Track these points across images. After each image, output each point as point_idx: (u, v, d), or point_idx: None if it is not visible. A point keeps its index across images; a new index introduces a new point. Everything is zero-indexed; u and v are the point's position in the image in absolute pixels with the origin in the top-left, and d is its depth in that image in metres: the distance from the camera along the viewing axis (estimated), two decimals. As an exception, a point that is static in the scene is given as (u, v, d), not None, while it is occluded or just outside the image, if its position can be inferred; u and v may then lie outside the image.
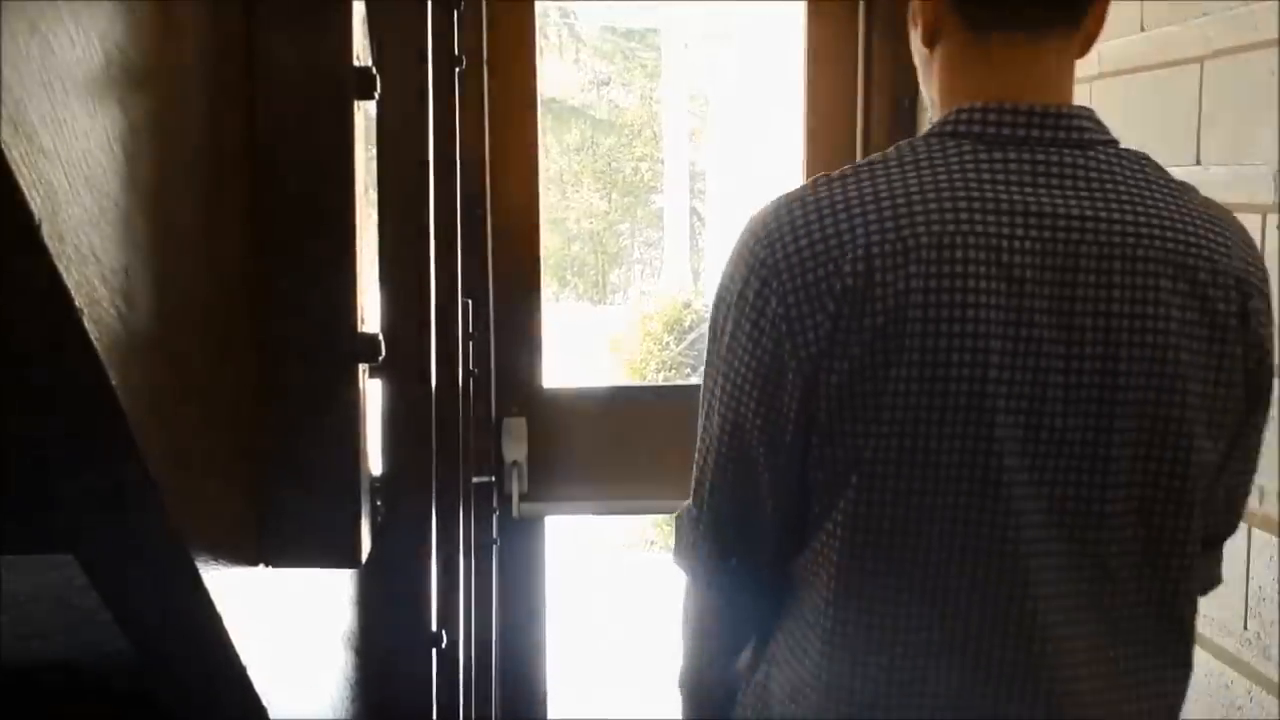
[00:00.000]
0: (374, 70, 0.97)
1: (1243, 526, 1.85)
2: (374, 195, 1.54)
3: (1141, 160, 1.25)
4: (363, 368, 1.00)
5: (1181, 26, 2.01)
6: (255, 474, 0.94)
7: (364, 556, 1.02)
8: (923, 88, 1.33)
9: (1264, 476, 1.79)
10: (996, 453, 1.15)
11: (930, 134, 1.22)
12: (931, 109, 1.30)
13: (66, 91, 0.56)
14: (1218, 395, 1.22)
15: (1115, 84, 2.22)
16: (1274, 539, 1.77)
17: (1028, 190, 1.17)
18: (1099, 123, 1.24)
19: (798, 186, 1.23)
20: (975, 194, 1.15)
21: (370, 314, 1.07)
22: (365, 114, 1.00)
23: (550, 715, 3.74)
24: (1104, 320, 1.16)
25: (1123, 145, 1.25)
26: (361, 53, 0.99)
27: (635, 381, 7.92)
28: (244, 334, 0.91)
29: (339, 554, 1.01)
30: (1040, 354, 1.15)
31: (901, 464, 1.15)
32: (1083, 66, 2.28)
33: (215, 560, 0.82)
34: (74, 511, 0.70)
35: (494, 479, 3.34)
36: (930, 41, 1.26)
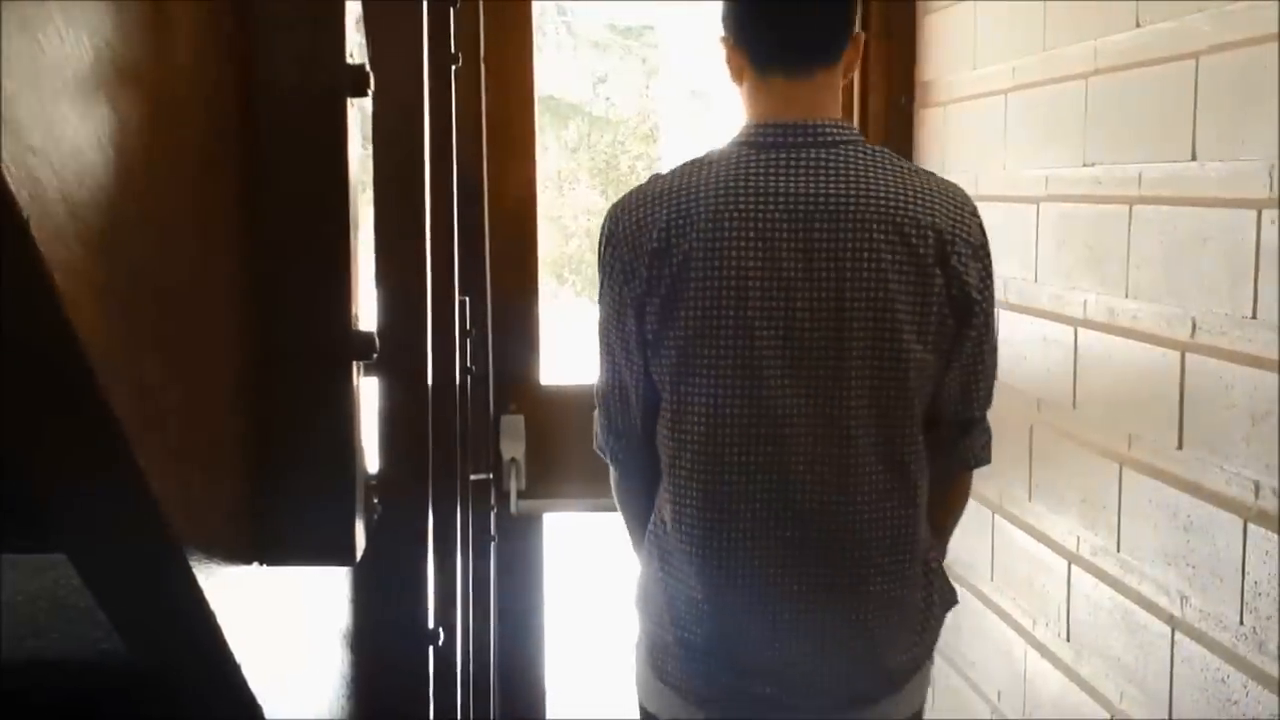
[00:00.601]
0: (368, 68, 0.97)
1: (1238, 521, 1.85)
2: (370, 193, 1.55)
3: (877, 152, 1.81)
4: (357, 365, 1.00)
5: (1177, 22, 2.01)
6: (249, 472, 0.94)
7: (359, 554, 1.02)
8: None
9: (1261, 473, 1.80)
10: (758, 359, 1.73)
11: (732, 143, 1.83)
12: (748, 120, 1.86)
13: (56, 89, 0.56)
14: (922, 311, 1.76)
15: (1111, 80, 2.22)
16: (1271, 534, 1.78)
17: (780, 178, 1.74)
18: (845, 128, 1.81)
19: (641, 190, 1.83)
20: (742, 183, 1.74)
21: (365, 312, 1.07)
22: (360, 111, 1.00)
23: (549, 711, 3.75)
24: (835, 262, 1.72)
25: (867, 143, 1.82)
26: (356, 50, 0.99)
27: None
28: (238, 332, 0.91)
29: (334, 551, 1.01)
30: (789, 289, 1.71)
31: (692, 371, 1.74)
32: (1078, 63, 2.31)
33: (209, 558, 0.82)
34: (66, 511, 0.70)
35: (492, 476, 3.35)
36: (739, 81, 1.86)
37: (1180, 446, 1.99)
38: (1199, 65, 1.95)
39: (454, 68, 2.23)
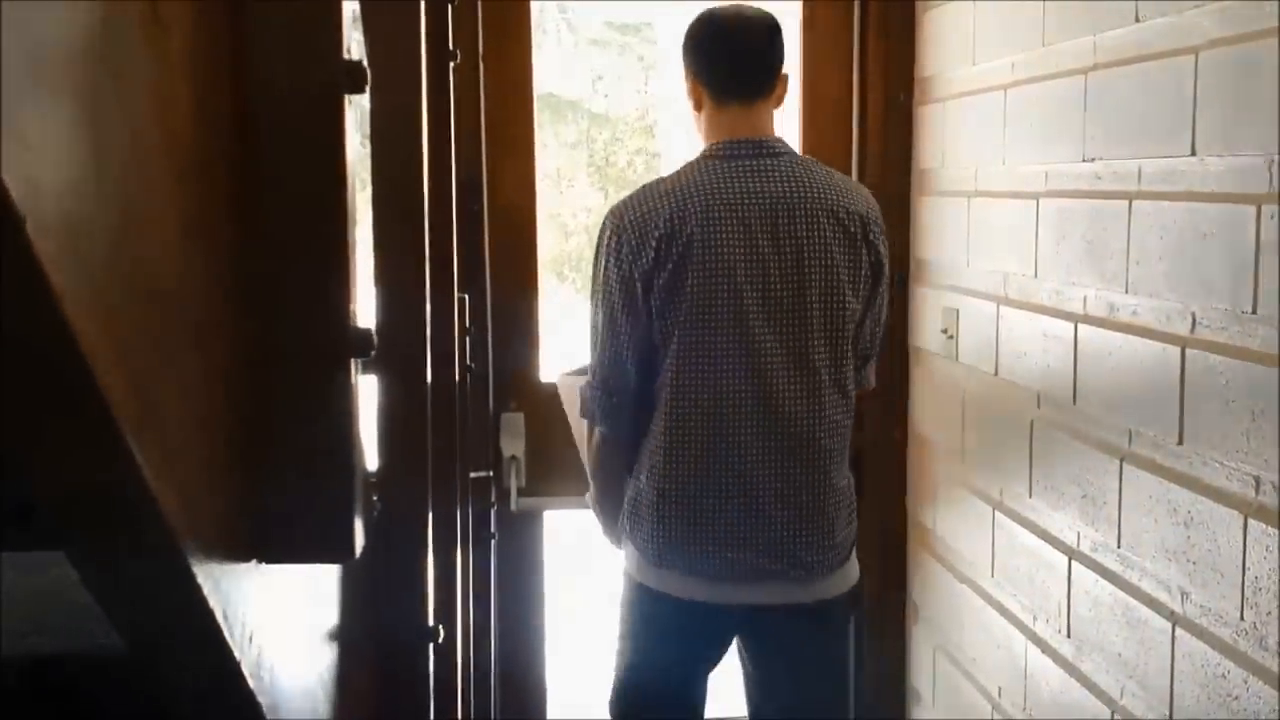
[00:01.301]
0: (365, 64, 0.96)
1: (1238, 517, 1.85)
2: (367, 190, 1.54)
3: (807, 160, 2.46)
4: (355, 362, 1.00)
5: (1176, 17, 2.00)
6: (247, 468, 0.94)
7: (357, 551, 1.02)
8: (695, 132, 2.47)
9: (1261, 468, 1.80)
10: (745, 315, 2.30)
11: (700, 156, 2.40)
12: (701, 142, 2.45)
13: (51, 86, 0.56)
14: (854, 275, 2.40)
15: (1110, 75, 2.22)
16: (1271, 530, 1.78)
17: (749, 181, 2.34)
18: (783, 142, 2.43)
19: (638, 194, 2.37)
20: (722, 185, 2.33)
21: (364, 309, 1.07)
22: (357, 108, 1.00)
23: (549, 708, 3.74)
24: (795, 241, 2.33)
25: (803, 154, 2.58)
26: (353, 47, 0.99)
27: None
28: (234, 328, 0.91)
29: (332, 548, 1.01)
30: (764, 262, 2.31)
31: (698, 325, 2.29)
32: (1078, 58, 2.30)
33: (207, 555, 0.82)
34: (63, 508, 0.69)
35: (492, 474, 3.34)
36: (698, 109, 2.43)
37: (1180, 442, 1.99)
38: (1198, 60, 1.94)
39: (452, 65, 2.22)
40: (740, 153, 2.36)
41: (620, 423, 2.43)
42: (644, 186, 2.37)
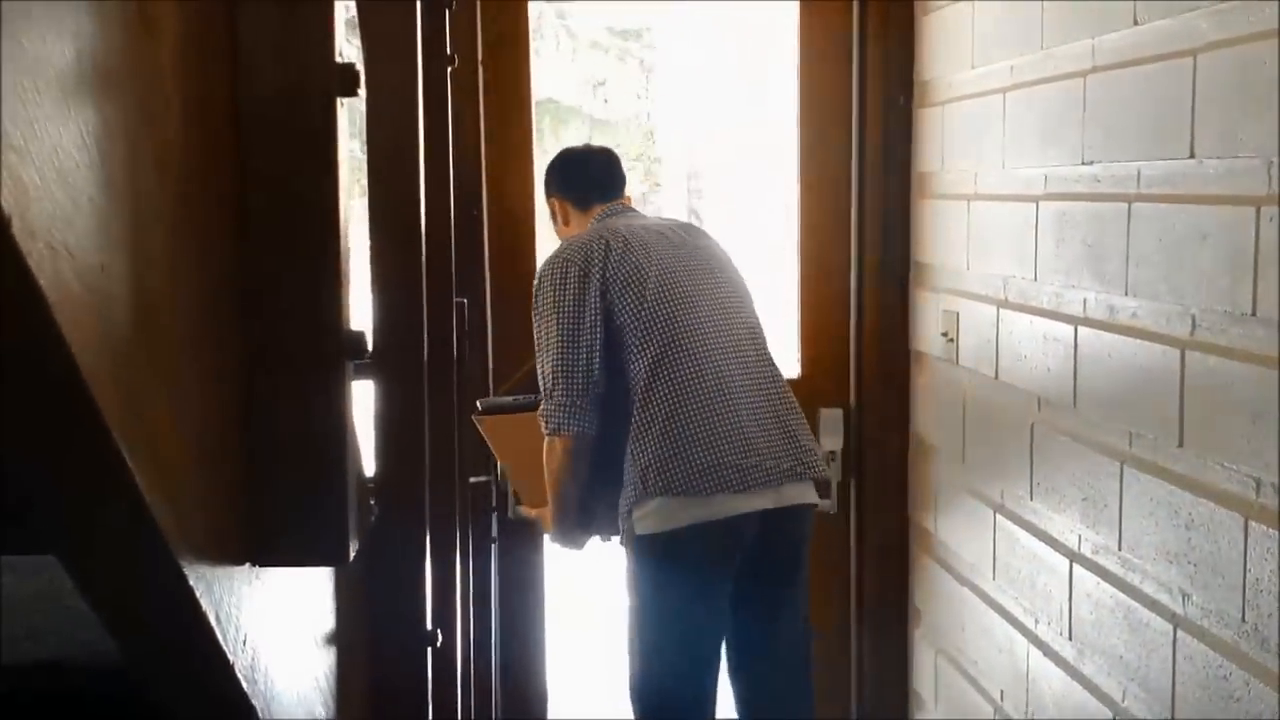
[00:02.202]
0: (357, 67, 0.96)
1: (1239, 519, 1.85)
2: (364, 195, 1.54)
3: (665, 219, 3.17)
4: (349, 365, 1.00)
5: (1175, 20, 2.00)
6: (240, 472, 0.93)
7: (351, 554, 1.02)
8: (558, 234, 3.11)
9: (1261, 470, 1.79)
10: (687, 303, 2.81)
11: (597, 223, 2.97)
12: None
13: (38, 89, 0.56)
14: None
15: (1108, 78, 2.22)
16: (1272, 531, 1.77)
17: (636, 221, 2.96)
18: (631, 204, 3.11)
19: (565, 241, 2.94)
20: (623, 226, 2.89)
21: (357, 311, 1.06)
22: (350, 110, 1.00)
23: (550, 712, 3.74)
24: (697, 244, 2.96)
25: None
26: (346, 50, 0.99)
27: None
28: (227, 331, 0.90)
29: (326, 552, 1.00)
30: (684, 263, 2.88)
31: (653, 318, 2.76)
32: (1077, 61, 2.30)
33: (200, 559, 0.81)
34: (53, 512, 0.69)
35: (491, 478, 3.34)
36: (565, 222, 3.07)
37: (1181, 444, 1.99)
38: (1197, 63, 1.94)
39: (450, 69, 2.22)
40: (621, 211, 3.05)
41: (587, 420, 2.77)
42: (571, 240, 2.94)
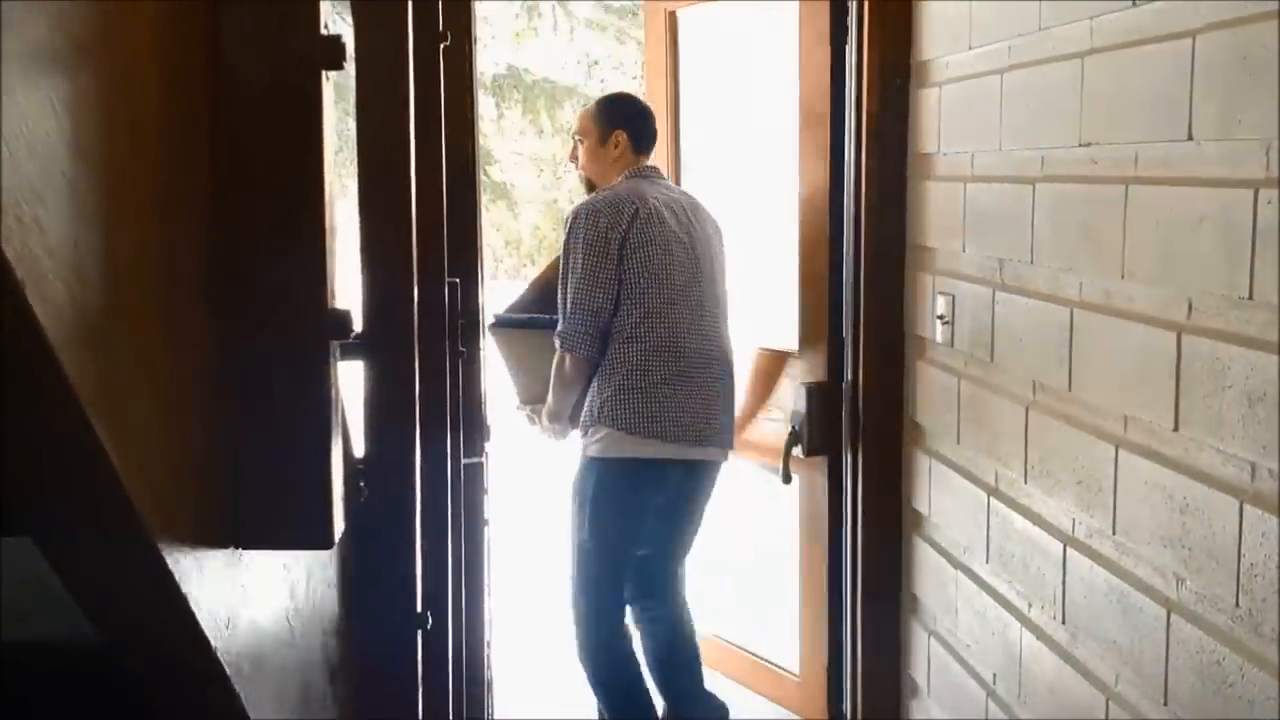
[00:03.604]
0: (343, 39, 0.94)
1: (1234, 503, 1.84)
2: (354, 172, 1.52)
3: (681, 187, 4.04)
4: (334, 345, 0.98)
5: (1174, 1, 1.98)
6: (222, 454, 0.92)
7: (336, 537, 1.00)
8: (595, 167, 3.77)
9: (1258, 454, 1.78)
10: (682, 269, 3.54)
11: (629, 178, 3.64)
12: (609, 173, 3.75)
13: (6, 56, 0.54)
14: (721, 252, 3.79)
15: (1107, 58, 2.20)
16: (1267, 516, 1.76)
17: (660, 193, 3.62)
18: (658, 169, 3.82)
19: (598, 192, 3.66)
20: (650, 195, 3.54)
21: (343, 290, 1.05)
22: (335, 84, 0.98)
23: (539, 692, 3.75)
24: (703, 233, 3.66)
25: None
26: (331, 22, 0.97)
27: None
28: (206, 309, 0.89)
29: (309, 535, 0.99)
30: (686, 244, 3.55)
31: (651, 282, 3.46)
32: (1075, 42, 2.28)
33: (179, 542, 0.80)
34: (27, 494, 0.68)
35: (485, 460, 3.33)
36: (614, 151, 3.71)
37: (1176, 428, 1.98)
38: (1196, 44, 1.92)
39: (443, 46, 2.20)
40: (653, 174, 3.70)
41: (595, 347, 3.48)
42: (601, 191, 3.62)
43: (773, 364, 3.99)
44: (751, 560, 4.40)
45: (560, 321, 3.49)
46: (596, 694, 3.81)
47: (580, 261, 3.44)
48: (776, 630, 4.18)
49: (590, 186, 3.76)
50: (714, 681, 4.12)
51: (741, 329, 4.00)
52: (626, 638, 3.80)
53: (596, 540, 3.61)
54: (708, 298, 3.57)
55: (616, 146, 3.69)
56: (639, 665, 3.81)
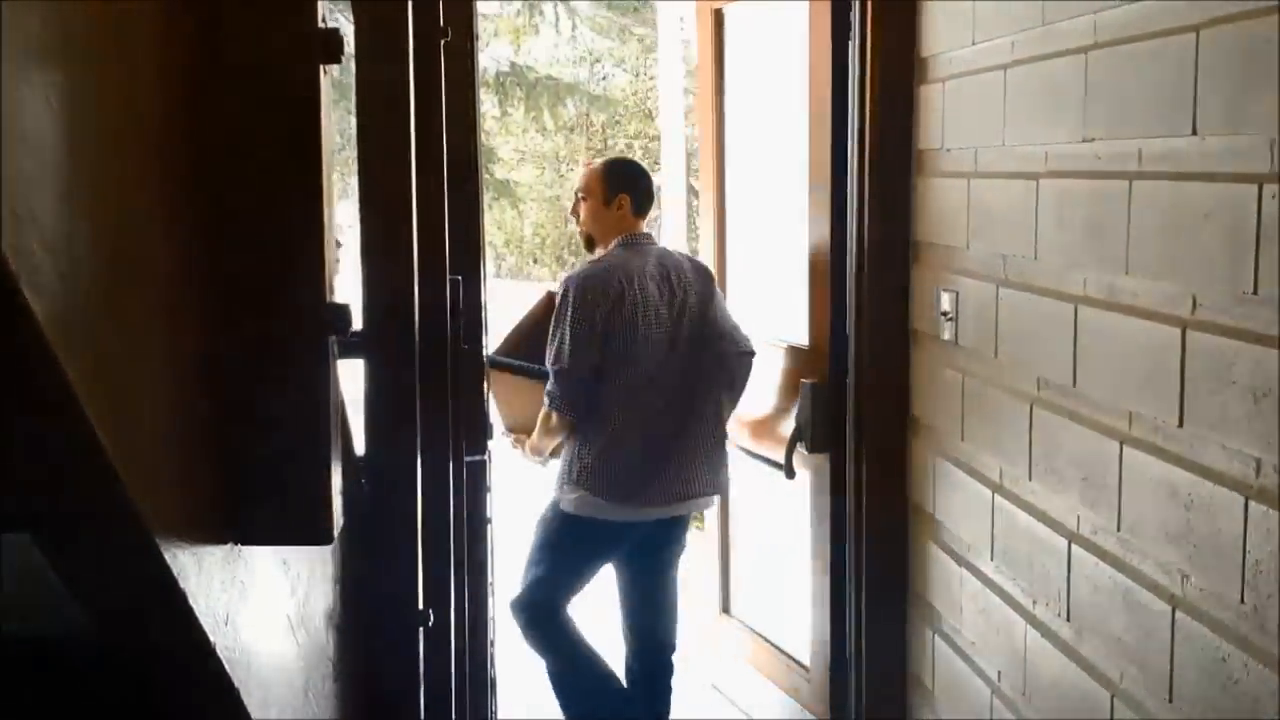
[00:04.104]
0: (341, 33, 0.94)
1: (1238, 500, 1.83)
2: (354, 168, 1.52)
3: (671, 248, 4.27)
4: (333, 340, 0.98)
5: (1177, -7, 1.98)
6: (220, 449, 0.91)
7: (334, 534, 1.00)
8: (597, 226, 3.95)
9: (1262, 450, 1.78)
10: (660, 356, 3.72)
11: (619, 246, 3.83)
12: (608, 234, 3.91)
13: (3, 54, 0.54)
14: (706, 305, 3.90)
15: (1111, 54, 2.19)
16: (1272, 512, 1.76)
17: (650, 263, 3.80)
18: (650, 236, 3.98)
19: (587, 265, 3.86)
20: (637, 269, 3.73)
21: (344, 287, 1.04)
22: (338, 83, 0.97)
23: (543, 691, 3.75)
24: (684, 306, 3.81)
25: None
26: (328, 15, 0.96)
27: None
28: (202, 303, 0.88)
29: (307, 531, 0.98)
30: (667, 321, 3.74)
31: (632, 361, 3.67)
32: (1078, 37, 2.27)
33: (178, 537, 0.79)
34: (24, 490, 0.67)
35: (487, 458, 3.33)
36: (612, 213, 3.89)
37: (1181, 424, 1.97)
38: (1199, 38, 1.92)
39: (444, 42, 2.20)
40: (644, 244, 3.88)
41: (576, 411, 3.71)
42: (595, 259, 3.85)
43: (793, 359, 3.99)
44: (774, 551, 4.40)
45: (548, 383, 3.74)
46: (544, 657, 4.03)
47: (566, 332, 3.67)
48: (795, 624, 4.18)
49: (589, 241, 3.98)
50: (739, 672, 4.32)
51: (772, 325, 4.08)
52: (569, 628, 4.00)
53: (549, 577, 3.88)
54: (689, 363, 3.80)
55: (619, 209, 3.89)
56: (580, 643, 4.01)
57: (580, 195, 3.96)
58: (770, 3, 4.18)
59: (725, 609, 4.68)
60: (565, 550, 3.85)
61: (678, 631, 4.13)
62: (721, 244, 4.61)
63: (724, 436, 3.93)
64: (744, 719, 4.44)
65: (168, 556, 0.76)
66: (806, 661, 4.06)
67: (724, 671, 4.64)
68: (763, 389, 4.06)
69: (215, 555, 0.89)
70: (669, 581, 4.06)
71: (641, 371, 3.69)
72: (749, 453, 4.22)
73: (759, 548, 4.51)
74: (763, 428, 4.12)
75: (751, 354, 3.94)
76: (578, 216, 4.03)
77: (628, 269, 3.71)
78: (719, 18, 4.52)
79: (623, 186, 3.90)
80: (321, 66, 0.93)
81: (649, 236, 3.94)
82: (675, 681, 4.13)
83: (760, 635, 4.42)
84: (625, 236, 3.84)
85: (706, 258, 4.60)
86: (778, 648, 4.28)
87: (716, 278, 4.19)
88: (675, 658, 4.14)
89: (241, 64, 0.90)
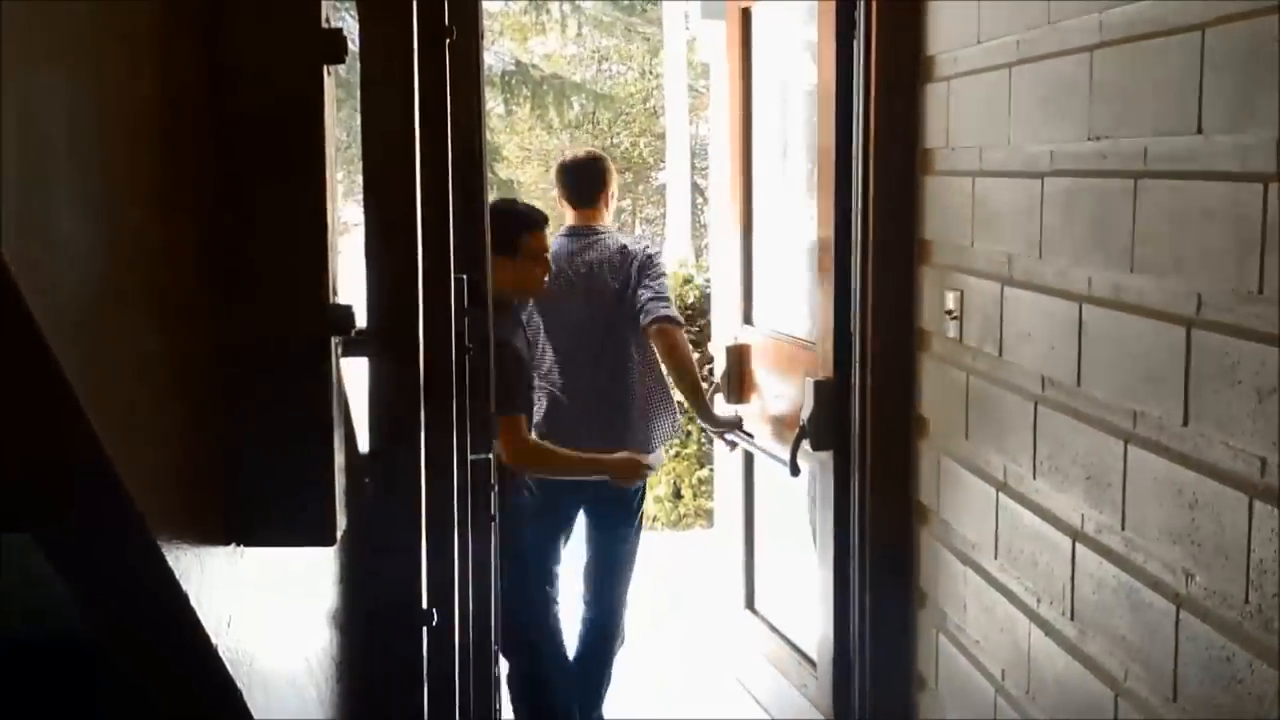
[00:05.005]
0: (345, 33, 0.94)
1: (1243, 498, 1.83)
2: (358, 166, 1.52)
3: (618, 236, 4.53)
4: (336, 340, 0.97)
5: (1183, -9, 1.97)
6: (222, 449, 0.91)
7: (337, 534, 1.00)
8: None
9: (1267, 449, 1.77)
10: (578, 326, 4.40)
11: (560, 235, 4.51)
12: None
13: (3, 52, 0.54)
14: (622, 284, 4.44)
15: (1116, 52, 2.19)
16: (1277, 511, 1.75)
17: (582, 249, 4.44)
18: (605, 227, 4.53)
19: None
20: (568, 251, 4.43)
21: (347, 286, 1.04)
22: (343, 82, 0.97)
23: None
24: (600, 284, 4.41)
25: None
26: (332, 14, 0.96)
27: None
28: (203, 301, 0.88)
29: (311, 532, 0.98)
30: (585, 298, 4.40)
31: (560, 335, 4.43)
32: (1083, 35, 2.26)
33: (180, 538, 0.79)
34: (24, 490, 0.67)
35: (492, 455, 3.32)
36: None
37: (1186, 423, 1.97)
38: (1205, 37, 1.91)
39: (449, 41, 2.19)
40: (576, 233, 4.42)
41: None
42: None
43: (803, 356, 3.99)
44: (794, 548, 4.40)
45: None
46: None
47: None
48: (808, 621, 4.18)
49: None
50: (759, 667, 4.39)
51: (784, 321, 4.13)
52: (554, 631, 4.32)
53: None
54: (601, 336, 4.32)
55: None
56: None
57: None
58: (790, 1, 4.18)
59: (749, 605, 4.69)
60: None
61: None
62: (748, 244, 4.58)
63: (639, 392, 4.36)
64: (762, 714, 4.45)
65: (170, 557, 0.76)
66: (815, 658, 4.06)
67: (746, 666, 4.65)
68: (776, 386, 4.07)
69: (217, 556, 0.89)
70: (621, 531, 4.49)
71: (567, 345, 4.37)
72: (764, 450, 4.24)
73: (781, 545, 4.52)
74: (776, 424, 4.13)
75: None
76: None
77: (559, 265, 4.29)
78: (746, 16, 4.51)
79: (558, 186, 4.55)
80: (325, 66, 0.93)
81: (588, 228, 4.44)
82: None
83: (778, 632, 4.43)
84: (566, 228, 4.47)
85: (727, 258, 4.70)
86: (793, 644, 4.29)
87: (741, 281, 4.57)
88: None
89: (244, 64, 0.90)
